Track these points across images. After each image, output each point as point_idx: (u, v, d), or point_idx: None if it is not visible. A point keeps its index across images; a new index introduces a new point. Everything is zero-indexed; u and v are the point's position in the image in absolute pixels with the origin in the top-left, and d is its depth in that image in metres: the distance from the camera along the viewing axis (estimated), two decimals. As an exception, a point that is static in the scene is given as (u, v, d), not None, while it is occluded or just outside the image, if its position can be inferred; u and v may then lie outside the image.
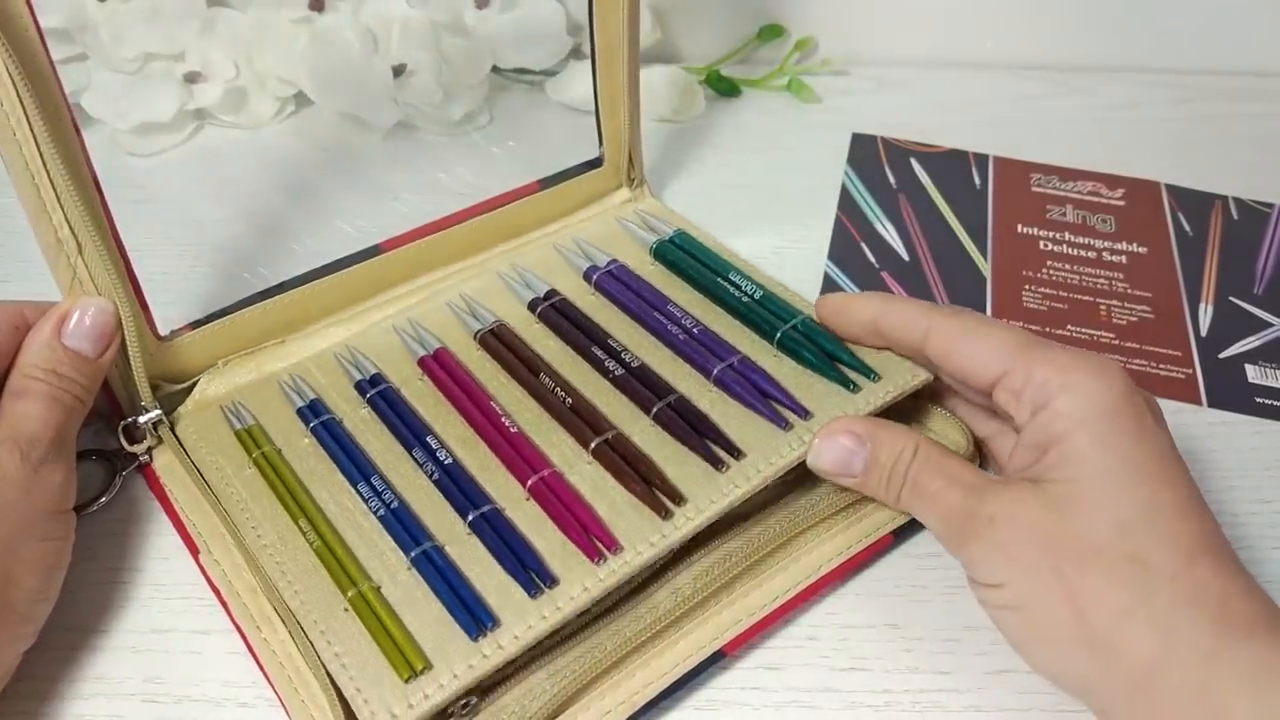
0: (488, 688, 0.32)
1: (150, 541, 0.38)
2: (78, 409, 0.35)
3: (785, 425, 0.36)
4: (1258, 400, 0.46)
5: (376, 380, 0.39)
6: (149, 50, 0.56)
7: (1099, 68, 0.69)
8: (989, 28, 0.69)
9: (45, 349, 0.35)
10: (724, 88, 0.64)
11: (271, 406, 0.39)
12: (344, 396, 0.39)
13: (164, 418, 0.38)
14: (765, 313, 0.41)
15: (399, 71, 0.57)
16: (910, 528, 0.38)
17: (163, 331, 0.39)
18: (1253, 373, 0.48)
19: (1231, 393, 0.47)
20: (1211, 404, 0.46)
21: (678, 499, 0.34)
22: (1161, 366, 0.48)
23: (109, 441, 0.39)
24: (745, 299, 0.42)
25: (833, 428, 0.35)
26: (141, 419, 0.38)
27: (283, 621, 0.32)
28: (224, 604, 0.35)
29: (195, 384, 0.40)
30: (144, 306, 0.37)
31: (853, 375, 0.38)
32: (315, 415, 0.38)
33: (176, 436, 0.38)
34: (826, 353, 0.39)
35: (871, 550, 0.37)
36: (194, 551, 0.36)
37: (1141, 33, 0.69)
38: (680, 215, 0.49)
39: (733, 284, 0.43)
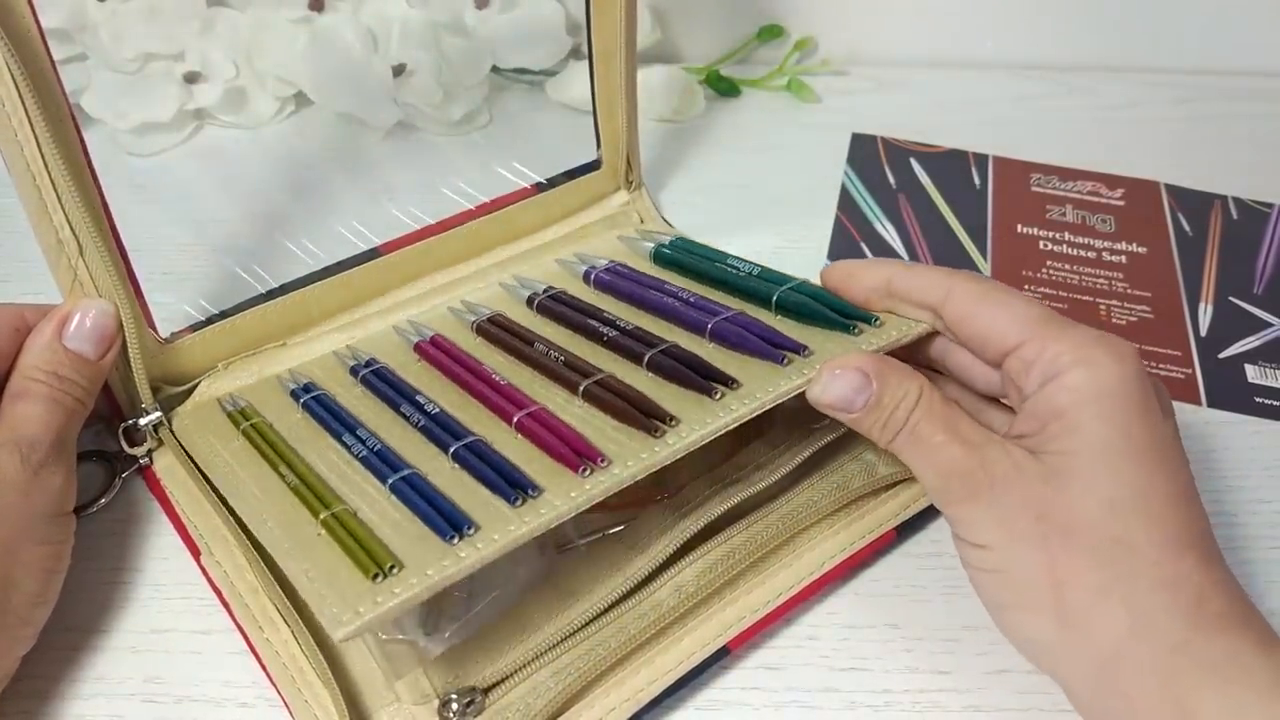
0: (490, 686, 0.32)
1: (150, 542, 0.38)
2: (78, 411, 0.35)
3: (784, 360, 0.35)
4: (1257, 400, 0.46)
5: (371, 362, 0.39)
6: (149, 50, 0.56)
7: (1099, 68, 0.69)
8: (989, 28, 0.69)
9: (46, 351, 0.34)
10: (724, 88, 0.64)
11: (268, 395, 0.39)
12: (339, 382, 0.39)
13: (164, 420, 0.38)
14: (762, 282, 0.40)
15: (399, 71, 0.57)
16: (912, 524, 0.38)
17: (163, 333, 0.39)
18: (1252, 373, 0.48)
19: (1231, 393, 0.47)
20: (1211, 404, 0.46)
21: (669, 420, 0.33)
22: (1161, 366, 0.48)
23: (109, 443, 0.39)
24: (743, 275, 0.41)
25: (841, 361, 0.34)
26: (142, 421, 0.38)
27: (272, 603, 0.32)
28: (226, 605, 0.35)
29: (196, 386, 0.40)
30: (144, 308, 0.37)
31: (852, 323, 0.37)
32: (307, 393, 0.38)
33: (175, 435, 0.38)
34: (825, 304, 0.38)
35: (874, 546, 0.37)
36: (195, 553, 0.36)
37: (1141, 33, 0.69)
38: (680, 231, 0.49)
39: (731, 266, 0.42)
